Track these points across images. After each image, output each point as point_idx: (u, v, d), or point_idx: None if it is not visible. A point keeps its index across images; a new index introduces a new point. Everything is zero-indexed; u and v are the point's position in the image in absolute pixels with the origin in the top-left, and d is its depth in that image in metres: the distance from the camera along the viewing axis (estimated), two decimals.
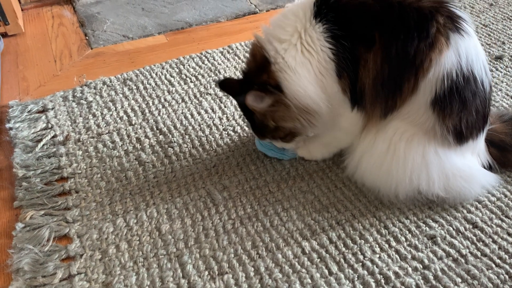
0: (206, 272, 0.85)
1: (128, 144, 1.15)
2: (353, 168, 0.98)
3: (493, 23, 1.57)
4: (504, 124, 1.01)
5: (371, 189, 0.98)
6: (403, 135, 0.89)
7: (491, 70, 1.35)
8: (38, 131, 1.20)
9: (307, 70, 0.88)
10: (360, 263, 0.86)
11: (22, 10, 1.81)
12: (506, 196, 0.97)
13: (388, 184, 0.93)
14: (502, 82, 1.30)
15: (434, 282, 0.82)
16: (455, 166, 0.91)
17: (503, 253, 0.86)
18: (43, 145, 1.15)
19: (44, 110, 1.28)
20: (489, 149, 0.98)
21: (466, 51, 0.83)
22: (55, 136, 1.18)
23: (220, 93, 1.31)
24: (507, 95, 1.25)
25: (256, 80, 0.92)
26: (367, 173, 0.95)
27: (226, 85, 0.99)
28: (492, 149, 0.99)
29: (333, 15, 0.87)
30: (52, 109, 1.27)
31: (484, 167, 0.97)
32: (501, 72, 1.34)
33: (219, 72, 1.40)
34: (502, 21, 1.58)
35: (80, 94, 1.33)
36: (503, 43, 1.46)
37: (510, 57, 1.39)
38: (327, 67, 0.87)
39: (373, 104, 0.88)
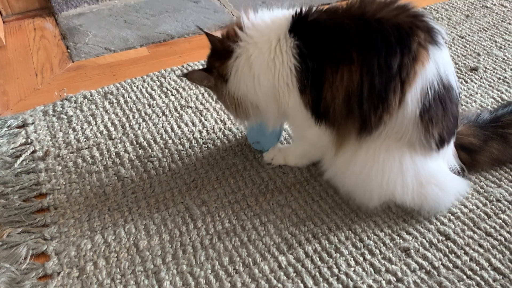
0: None
1: (107, 159, 1.16)
2: (331, 174, 1.01)
3: (469, 35, 1.61)
4: (467, 127, 1.04)
5: (345, 194, 1.00)
6: (383, 146, 0.91)
7: (466, 82, 1.38)
8: (18, 147, 1.20)
9: (267, 79, 0.93)
10: (335, 277, 0.87)
11: (3, 22, 1.80)
12: (478, 207, 0.99)
13: (363, 189, 0.95)
14: (477, 93, 1.33)
15: None
16: (429, 173, 0.93)
17: (474, 264, 0.88)
18: (22, 160, 1.15)
19: (24, 125, 1.27)
20: (459, 153, 1.01)
21: (443, 62, 0.87)
22: (34, 151, 1.18)
23: (201, 107, 1.32)
24: (481, 106, 1.27)
25: (210, 60, 1.00)
26: (344, 178, 0.98)
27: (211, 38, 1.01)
28: (462, 153, 1.02)
29: (307, 32, 0.89)
30: (32, 124, 1.27)
31: (454, 172, 1.00)
32: (475, 83, 1.37)
33: None
34: (477, 33, 1.61)
35: (61, 109, 1.33)
36: (478, 54, 1.50)
37: (484, 69, 1.43)
38: (290, 80, 0.91)
39: (344, 122, 0.90)
